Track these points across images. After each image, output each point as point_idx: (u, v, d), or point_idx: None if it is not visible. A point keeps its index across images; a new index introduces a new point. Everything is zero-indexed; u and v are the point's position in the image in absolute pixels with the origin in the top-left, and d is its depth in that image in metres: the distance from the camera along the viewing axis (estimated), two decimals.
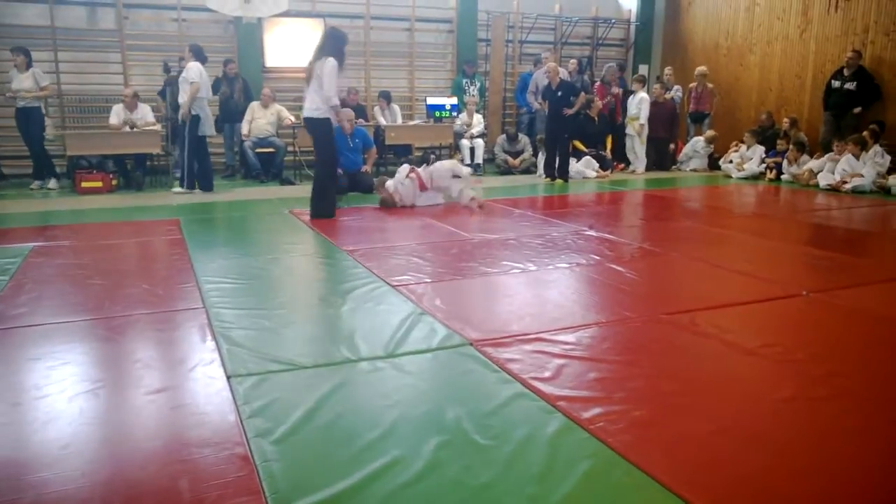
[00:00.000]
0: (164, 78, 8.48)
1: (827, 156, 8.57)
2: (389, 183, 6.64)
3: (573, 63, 10.52)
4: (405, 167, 6.90)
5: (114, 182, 8.14)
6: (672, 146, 10.58)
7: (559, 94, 8.63)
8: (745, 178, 9.33)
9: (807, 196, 7.95)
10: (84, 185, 7.79)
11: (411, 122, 10.04)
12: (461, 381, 2.64)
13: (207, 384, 2.58)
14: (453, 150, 10.03)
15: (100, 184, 7.84)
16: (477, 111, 10.30)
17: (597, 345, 3.02)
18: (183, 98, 7.37)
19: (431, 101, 9.91)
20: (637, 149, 10.06)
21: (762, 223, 6.25)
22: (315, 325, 3.39)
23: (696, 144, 10.36)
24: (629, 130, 10.10)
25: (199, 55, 7.51)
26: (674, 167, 10.54)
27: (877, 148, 8.08)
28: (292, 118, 9.11)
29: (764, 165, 9.35)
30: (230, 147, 9.47)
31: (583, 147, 9.67)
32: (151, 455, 2.07)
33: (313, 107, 5.85)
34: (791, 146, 9.01)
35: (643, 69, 11.86)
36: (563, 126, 8.70)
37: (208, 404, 2.42)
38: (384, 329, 3.16)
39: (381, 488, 1.89)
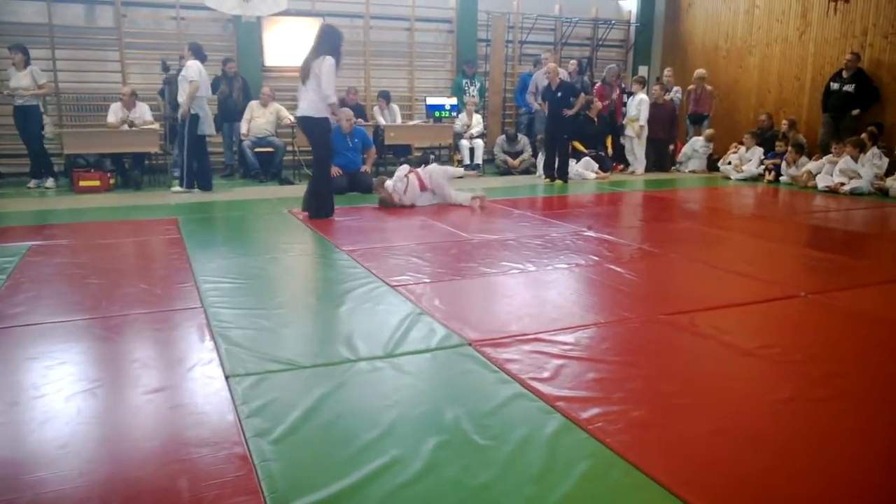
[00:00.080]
0: (163, 76, 8.46)
1: (825, 157, 8.58)
2: (388, 183, 6.64)
3: (573, 64, 10.52)
4: (404, 167, 6.91)
5: (111, 181, 8.13)
6: (671, 147, 10.59)
7: (559, 94, 8.63)
8: (744, 180, 9.34)
9: (805, 197, 7.95)
10: (82, 183, 7.77)
11: (411, 123, 10.04)
12: (460, 382, 2.64)
13: (206, 384, 2.58)
14: (453, 151, 10.03)
15: (97, 183, 7.83)
16: (476, 111, 10.30)
17: (596, 345, 3.01)
18: (182, 97, 7.36)
19: (431, 101, 9.91)
20: (636, 150, 10.07)
21: (761, 224, 6.26)
22: (314, 324, 3.39)
23: (695, 144, 10.37)
24: (628, 131, 10.11)
25: (199, 54, 7.50)
26: (673, 168, 10.54)
27: (875, 150, 8.08)
28: (291, 118, 9.09)
29: (763, 167, 9.35)
30: (229, 146, 9.47)
31: (582, 148, 9.67)
32: (150, 454, 2.07)
33: (311, 106, 5.83)
34: (790, 148, 9.02)
35: (643, 70, 11.87)
36: (562, 127, 8.70)
37: (207, 404, 2.41)
38: (383, 329, 3.16)
39: (380, 488, 1.89)
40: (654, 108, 10.03)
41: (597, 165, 9.60)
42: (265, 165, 9.00)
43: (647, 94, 10.27)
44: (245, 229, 5.99)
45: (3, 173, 8.79)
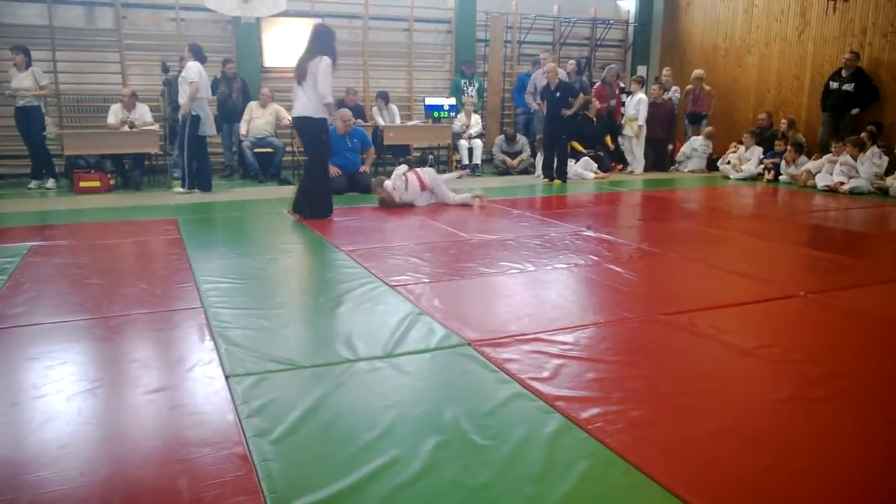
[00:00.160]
0: (163, 78, 8.47)
1: (825, 157, 8.59)
2: (388, 182, 6.65)
3: (572, 64, 10.52)
4: (402, 167, 6.93)
5: (112, 182, 8.13)
6: (670, 147, 10.60)
7: (558, 94, 8.64)
8: (743, 179, 9.34)
9: (805, 197, 7.96)
10: (82, 184, 7.78)
11: (409, 123, 10.04)
12: (459, 382, 2.64)
13: (206, 384, 2.58)
14: (451, 151, 10.03)
15: (98, 183, 7.84)
16: (475, 112, 10.30)
17: (595, 345, 3.02)
18: (182, 98, 7.36)
19: (430, 101, 9.91)
20: (635, 150, 10.07)
21: (760, 224, 6.26)
22: (313, 324, 3.39)
23: (694, 143, 10.37)
24: (626, 131, 10.11)
25: (199, 55, 7.50)
26: (672, 168, 10.55)
27: (874, 149, 8.09)
28: (290, 118, 9.09)
29: (762, 166, 9.36)
30: (228, 147, 9.47)
31: (581, 148, 9.67)
32: (150, 454, 2.07)
33: (309, 106, 5.82)
34: (789, 147, 9.03)
35: (641, 70, 11.88)
36: (561, 127, 8.70)
37: (207, 404, 2.42)
38: (382, 329, 3.16)
39: (380, 488, 1.89)
40: (653, 107, 10.04)
41: (596, 165, 9.60)
42: (264, 166, 9.01)
43: (646, 93, 10.28)
44: (245, 229, 5.99)
45: (4, 174, 8.80)
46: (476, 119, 10.24)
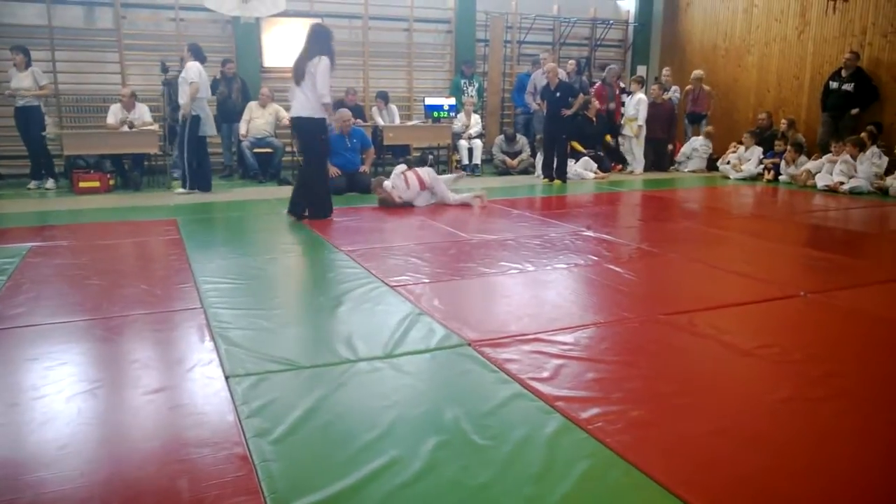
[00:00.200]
0: (162, 78, 8.46)
1: (825, 157, 8.59)
2: (387, 182, 6.66)
3: (572, 64, 10.52)
4: (401, 166, 6.94)
5: (111, 182, 8.13)
6: (670, 147, 10.60)
7: (557, 94, 8.64)
8: (743, 179, 9.34)
9: (804, 197, 7.96)
10: (82, 184, 7.78)
11: (409, 123, 10.04)
12: (459, 382, 2.64)
13: (206, 384, 2.58)
14: (451, 151, 10.04)
15: (97, 184, 7.83)
16: (475, 112, 10.30)
17: (595, 345, 3.02)
18: (183, 98, 7.36)
19: (429, 101, 9.91)
20: (635, 150, 10.08)
21: (760, 224, 6.26)
22: (313, 325, 3.39)
23: (695, 143, 10.37)
24: (626, 131, 10.12)
25: (199, 55, 7.50)
26: (672, 168, 10.55)
27: (874, 149, 8.09)
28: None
29: (762, 166, 9.36)
30: (228, 147, 9.47)
31: (581, 148, 9.67)
32: (150, 455, 2.07)
33: (308, 106, 5.81)
34: (789, 147, 9.03)
35: (641, 70, 11.88)
36: (561, 127, 8.70)
37: (207, 404, 2.42)
38: (382, 329, 3.16)
39: (380, 488, 1.89)
40: (653, 107, 10.04)
41: (595, 165, 9.60)
42: (264, 166, 9.01)
43: (646, 93, 10.28)
44: (244, 230, 5.99)
45: (3, 174, 8.80)
46: (476, 119, 10.24)
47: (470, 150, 10.00)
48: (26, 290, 3.79)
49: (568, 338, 3.07)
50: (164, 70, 8.32)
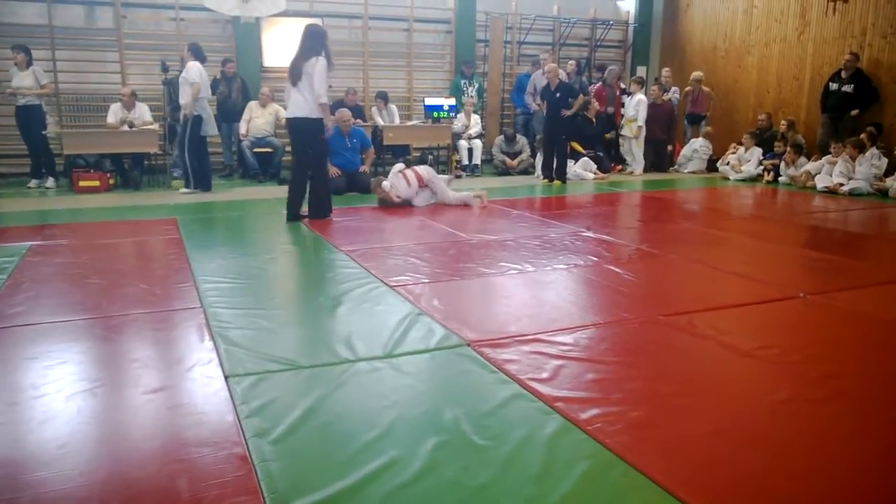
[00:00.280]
0: (163, 77, 8.46)
1: (824, 158, 8.59)
2: (385, 183, 6.66)
3: (572, 64, 10.52)
4: (399, 165, 6.95)
5: (111, 181, 8.13)
6: (670, 148, 10.60)
7: (557, 95, 8.64)
8: (743, 180, 9.35)
9: (804, 198, 7.96)
10: (81, 184, 7.78)
11: (409, 123, 10.04)
12: (459, 382, 2.64)
13: (205, 384, 2.58)
14: (451, 151, 10.04)
15: (97, 183, 7.84)
16: (474, 112, 10.31)
17: (594, 346, 3.02)
18: (184, 98, 7.36)
19: (429, 101, 9.91)
20: (634, 150, 10.08)
21: (760, 225, 6.26)
22: (313, 325, 3.39)
23: (694, 144, 10.38)
24: (625, 131, 10.12)
25: (199, 54, 7.50)
26: (672, 169, 10.55)
27: (874, 150, 8.09)
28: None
29: (761, 167, 9.36)
30: (228, 147, 9.47)
31: (580, 149, 9.68)
32: (149, 454, 2.07)
33: (306, 107, 5.78)
34: (788, 148, 9.03)
35: (641, 71, 11.88)
36: (561, 127, 8.71)
37: (206, 404, 2.42)
38: (382, 329, 3.17)
39: (379, 489, 1.89)
40: (653, 108, 10.04)
41: (595, 166, 9.60)
42: (264, 166, 9.01)
43: (646, 94, 10.28)
44: (244, 229, 5.99)
45: (4, 173, 8.79)
46: (476, 119, 10.24)
47: (470, 151, 10.00)
48: (26, 289, 3.79)
49: (567, 338, 3.07)
50: (165, 70, 8.32)
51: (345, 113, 7.70)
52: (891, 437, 2.23)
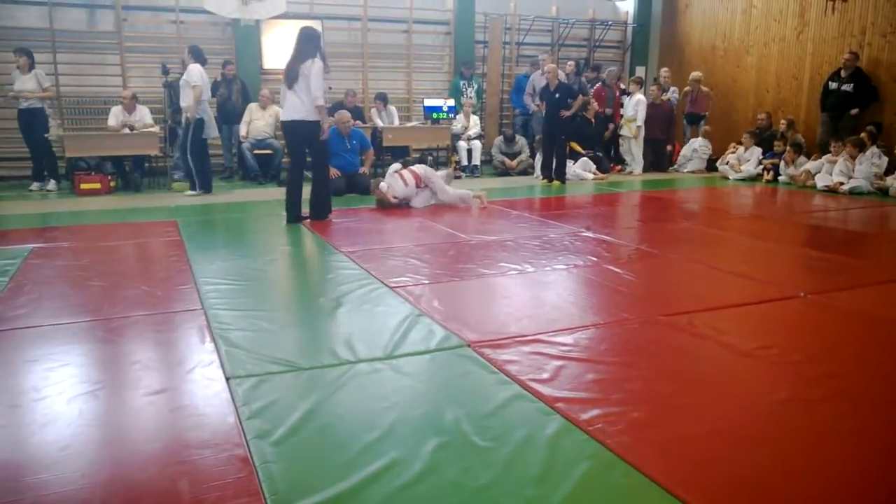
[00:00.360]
0: (163, 80, 8.47)
1: (824, 157, 8.59)
2: (382, 184, 6.68)
3: (571, 65, 10.53)
4: (396, 165, 6.96)
5: (112, 184, 8.14)
6: (669, 148, 10.60)
7: (557, 95, 8.64)
8: (743, 180, 9.35)
9: (804, 197, 7.96)
10: (83, 186, 7.79)
11: (408, 124, 10.05)
12: (459, 383, 2.65)
13: (206, 386, 2.59)
14: (450, 152, 10.04)
15: (98, 185, 7.84)
16: (474, 113, 10.31)
17: (594, 346, 3.03)
18: (185, 101, 7.37)
19: (429, 102, 9.92)
20: (634, 150, 10.08)
21: (759, 225, 6.27)
22: (313, 326, 3.40)
23: (694, 144, 10.38)
24: (624, 131, 10.12)
25: (199, 57, 7.51)
26: (671, 168, 10.55)
27: (874, 149, 8.10)
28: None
29: (761, 167, 9.36)
30: (228, 149, 9.48)
31: (580, 149, 9.68)
32: (151, 456, 2.08)
33: (302, 109, 5.77)
34: (788, 147, 9.03)
35: (640, 71, 11.89)
36: (560, 128, 8.71)
37: (207, 406, 2.42)
38: (382, 330, 3.17)
39: (380, 490, 1.90)
40: (652, 108, 10.05)
41: (594, 166, 9.60)
42: (264, 167, 9.02)
43: (645, 94, 10.28)
44: (244, 231, 6.00)
45: (5, 176, 8.81)
46: (475, 120, 10.25)
47: (469, 152, 10.00)
48: (28, 292, 3.80)
49: (568, 339, 3.07)
50: (165, 72, 8.34)
51: (344, 114, 7.71)
52: (889, 436, 2.23)
